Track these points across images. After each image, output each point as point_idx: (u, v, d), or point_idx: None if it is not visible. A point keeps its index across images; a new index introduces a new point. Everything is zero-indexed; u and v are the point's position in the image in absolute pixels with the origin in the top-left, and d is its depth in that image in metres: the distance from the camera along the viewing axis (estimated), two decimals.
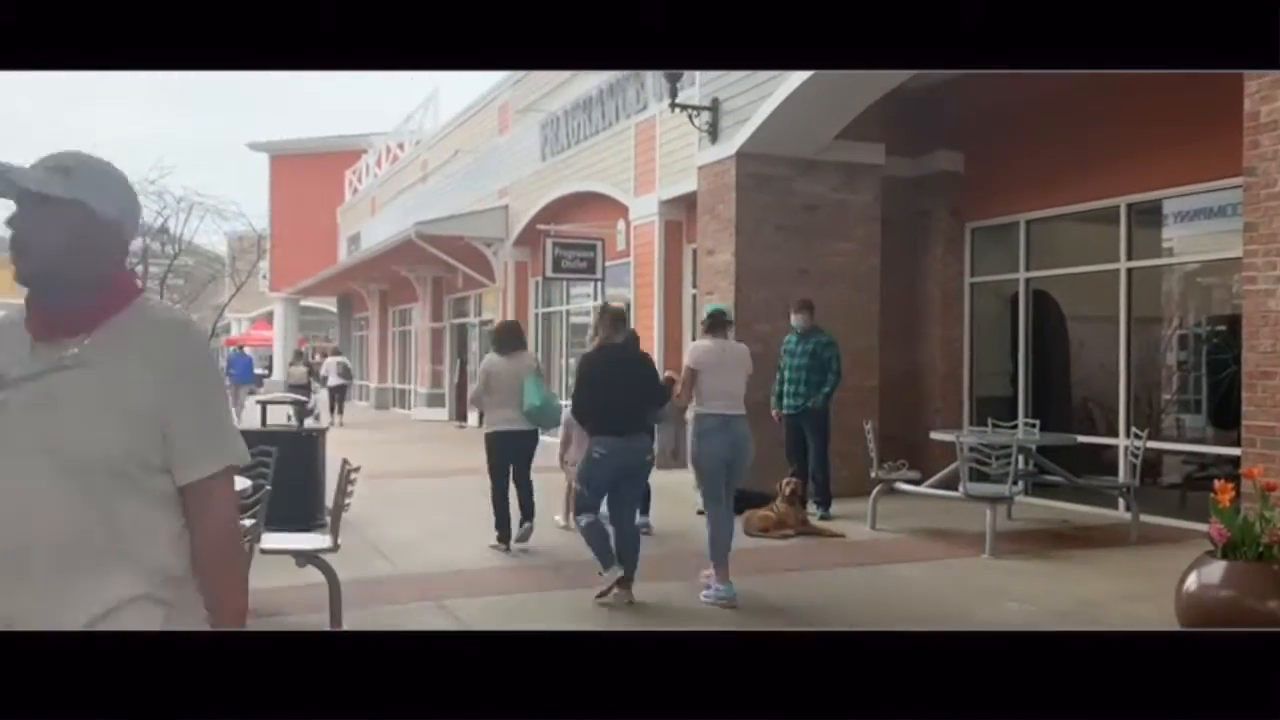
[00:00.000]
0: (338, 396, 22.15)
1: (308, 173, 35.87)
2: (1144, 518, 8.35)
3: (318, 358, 28.46)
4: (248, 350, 26.29)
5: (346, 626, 5.39)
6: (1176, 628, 4.45)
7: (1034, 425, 9.47)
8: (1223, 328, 9.03)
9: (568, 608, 6.13)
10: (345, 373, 23.00)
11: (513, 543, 7.68)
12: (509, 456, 7.83)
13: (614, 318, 6.59)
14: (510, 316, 18.11)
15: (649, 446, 6.54)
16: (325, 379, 22.93)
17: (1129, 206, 9.48)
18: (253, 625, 5.96)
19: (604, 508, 6.34)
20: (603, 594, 6.11)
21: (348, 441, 14.45)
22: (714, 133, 10.73)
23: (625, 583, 6.11)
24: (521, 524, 7.80)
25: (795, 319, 9.17)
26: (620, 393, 6.16)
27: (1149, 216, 9.57)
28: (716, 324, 6.69)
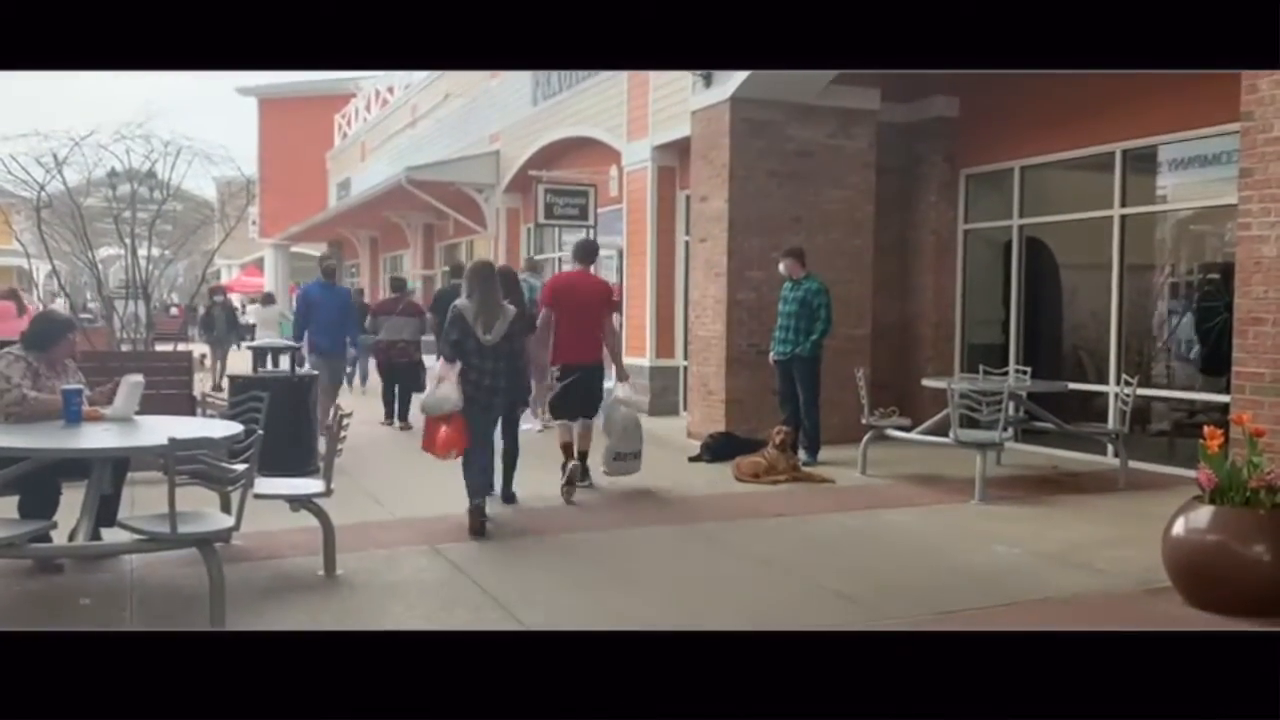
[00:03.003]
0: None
1: (297, 117, 35.49)
2: (1133, 464, 8.41)
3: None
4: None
5: (340, 570, 5.44)
6: (1176, 628, 4.48)
7: (1025, 372, 9.49)
8: (1215, 275, 9.03)
9: (557, 550, 6.21)
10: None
11: None
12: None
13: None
14: (503, 263, 18.03)
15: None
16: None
17: (1124, 153, 9.42)
18: (247, 568, 5.91)
19: None
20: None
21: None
22: (708, 77, 10.60)
23: None
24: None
25: (782, 266, 9.19)
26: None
27: (1144, 163, 9.52)
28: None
